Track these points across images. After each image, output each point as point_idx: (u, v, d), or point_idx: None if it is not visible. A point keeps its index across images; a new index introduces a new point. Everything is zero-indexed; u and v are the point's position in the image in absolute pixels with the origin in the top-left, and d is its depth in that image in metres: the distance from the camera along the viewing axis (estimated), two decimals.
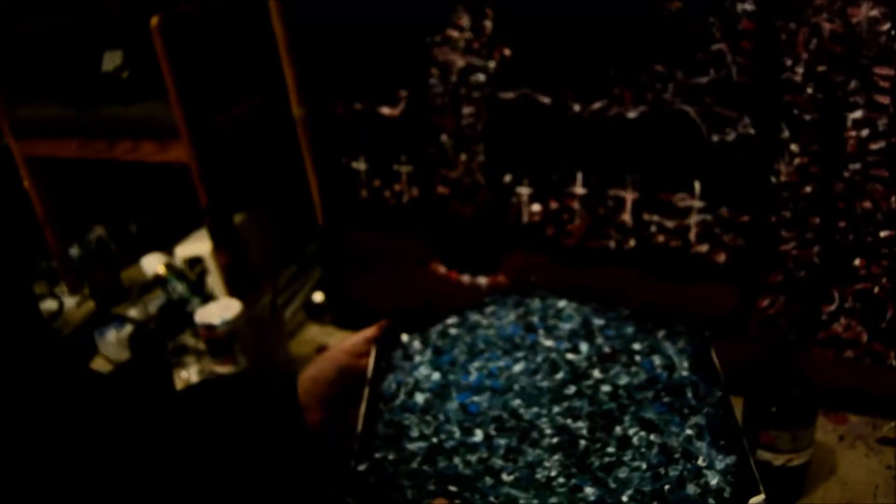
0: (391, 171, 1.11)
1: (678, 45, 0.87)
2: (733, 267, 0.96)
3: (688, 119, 0.90)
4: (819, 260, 0.92)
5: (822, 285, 0.93)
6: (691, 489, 0.61)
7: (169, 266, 1.33)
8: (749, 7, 0.83)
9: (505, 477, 0.63)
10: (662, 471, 0.63)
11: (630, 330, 0.81)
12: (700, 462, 0.64)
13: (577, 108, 0.95)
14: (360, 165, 1.13)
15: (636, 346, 0.78)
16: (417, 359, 0.80)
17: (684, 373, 0.74)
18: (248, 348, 1.15)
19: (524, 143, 1.01)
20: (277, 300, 1.22)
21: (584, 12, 0.90)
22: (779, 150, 0.88)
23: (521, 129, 0.99)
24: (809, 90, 0.84)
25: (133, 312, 1.35)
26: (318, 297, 1.35)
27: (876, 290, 0.90)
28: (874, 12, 0.78)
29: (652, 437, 0.66)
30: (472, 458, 0.67)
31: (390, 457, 0.67)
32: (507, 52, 0.96)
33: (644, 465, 0.64)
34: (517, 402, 0.71)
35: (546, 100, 0.96)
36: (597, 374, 0.74)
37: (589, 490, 0.61)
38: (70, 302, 1.53)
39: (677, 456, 0.64)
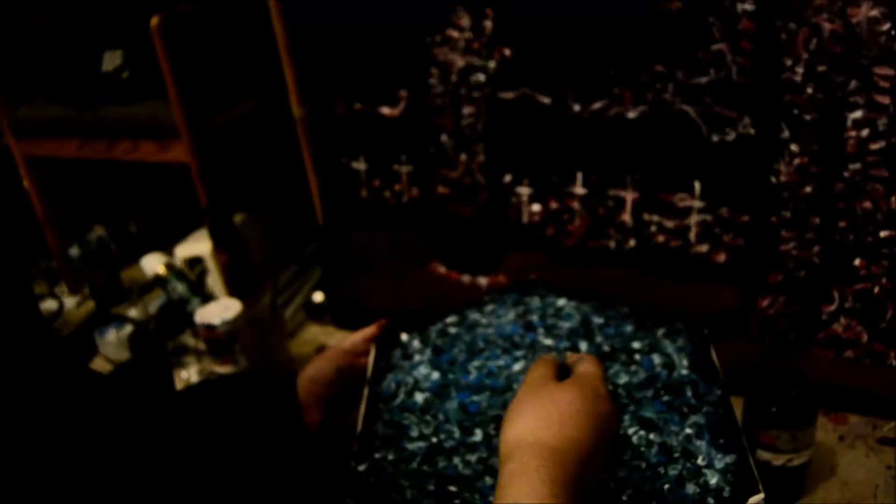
0: (391, 171, 1.11)
1: (678, 45, 0.87)
2: (733, 267, 0.96)
3: (688, 119, 0.90)
4: (819, 260, 0.92)
5: (822, 285, 0.93)
6: (691, 488, 0.61)
7: (169, 266, 1.33)
8: (749, 7, 0.83)
9: None
10: (662, 470, 0.63)
11: (629, 328, 0.81)
12: (699, 461, 0.64)
13: (577, 108, 0.95)
14: (360, 165, 1.13)
15: (635, 345, 0.78)
16: (417, 358, 0.79)
17: (684, 371, 0.74)
18: (248, 348, 1.15)
19: (524, 143, 1.01)
20: (277, 300, 1.22)
21: (584, 12, 0.90)
22: (779, 150, 0.88)
23: (521, 129, 0.99)
24: (809, 90, 0.84)
25: (133, 312, 1.35)
26: (318, 297, 1.35)
27: (876, 290, 0.90)
28: (874, 12, 0.78)
29: (651, 436, 0.66)
30: (472, 457, 0.66)
31: (390, 457, 0.67)
32: (507, 52, 0.96)
33: (643, 465, 0.64)
34: None
35: (546, 100, 0.96)
36: None
37: None
38: (70, 302, 1.53)
39: (677, 455, 0.64)
